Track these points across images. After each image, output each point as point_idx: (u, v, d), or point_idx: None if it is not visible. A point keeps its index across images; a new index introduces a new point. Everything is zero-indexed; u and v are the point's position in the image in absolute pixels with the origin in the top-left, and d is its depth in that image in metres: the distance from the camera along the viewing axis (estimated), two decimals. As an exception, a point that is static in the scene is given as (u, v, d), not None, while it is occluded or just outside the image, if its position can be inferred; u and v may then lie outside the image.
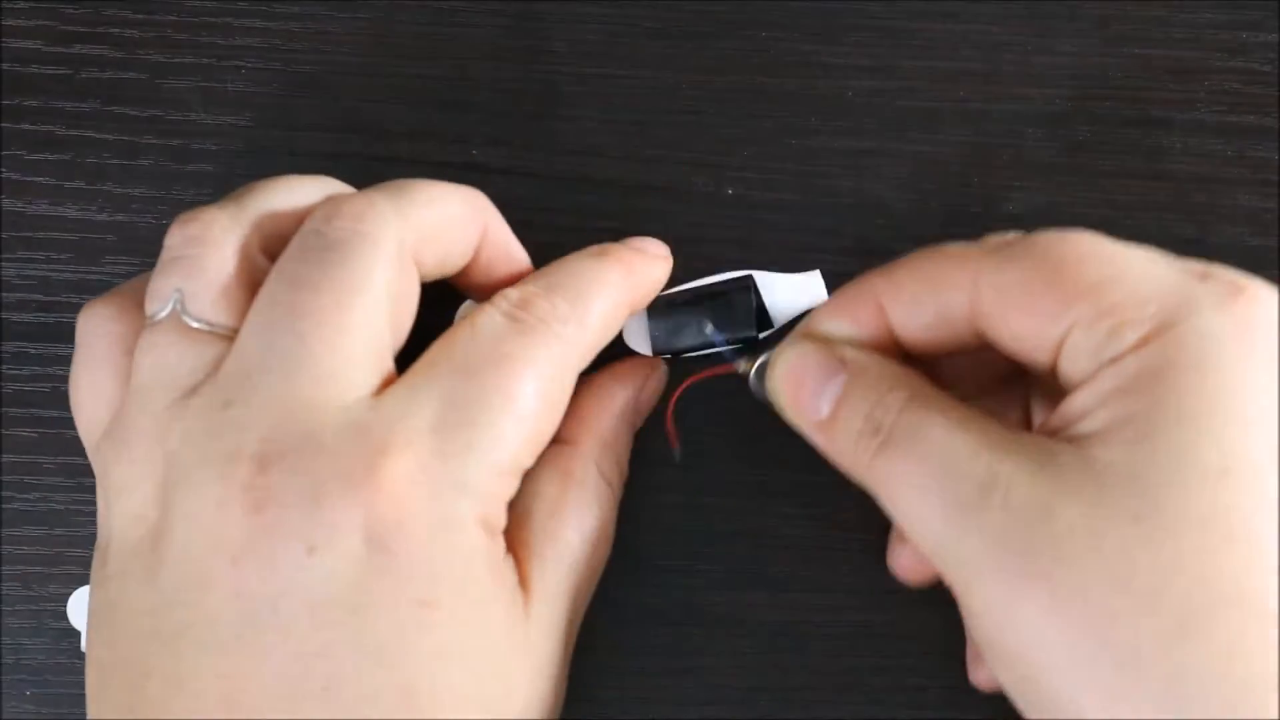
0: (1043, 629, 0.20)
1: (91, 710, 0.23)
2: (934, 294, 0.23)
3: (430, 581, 0.21)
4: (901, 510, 0.22)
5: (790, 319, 0.28)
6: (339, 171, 0.29)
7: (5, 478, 0.29)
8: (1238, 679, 0.19)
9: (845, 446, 0.23)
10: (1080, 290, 0.21)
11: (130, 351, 0.23)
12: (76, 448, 0.29)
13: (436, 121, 0.30)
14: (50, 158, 0.30)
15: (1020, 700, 0.21)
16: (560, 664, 0.25)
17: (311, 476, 0.21)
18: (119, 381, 0.23)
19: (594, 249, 0.26)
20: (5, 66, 0.30)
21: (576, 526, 0.25)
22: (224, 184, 0.29)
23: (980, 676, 0.27)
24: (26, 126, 0.30)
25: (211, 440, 0.21)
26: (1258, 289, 0.21)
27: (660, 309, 0.28)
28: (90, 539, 0.29)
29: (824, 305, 0.25)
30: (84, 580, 0.29)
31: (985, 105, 0.30)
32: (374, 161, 0.29)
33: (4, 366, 0.29)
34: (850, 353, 0.24)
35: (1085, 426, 0.21)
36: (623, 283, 0.26)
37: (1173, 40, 0.30)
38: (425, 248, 0.24)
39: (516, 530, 0.24)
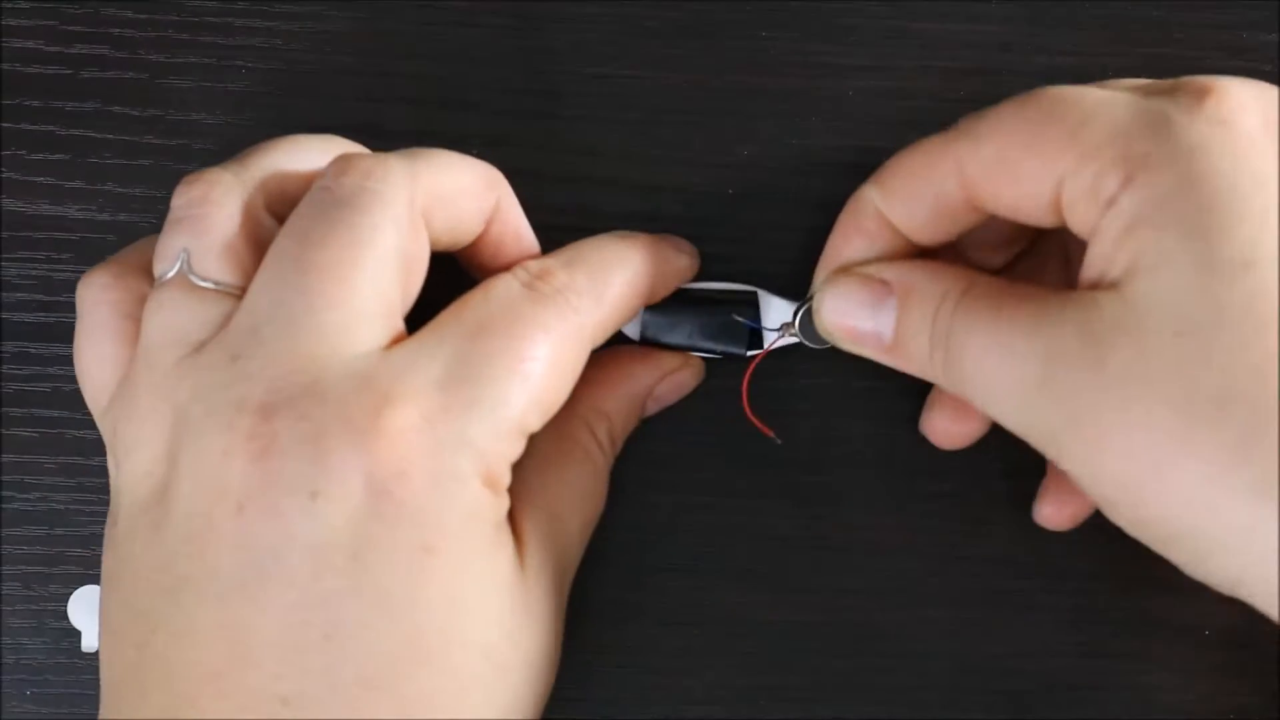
0: (1125, 476, 0.20)
1: (103, 670, 0.23)
2: (926, 188, 0.24)
3: (433, 529, 0.21)
4: (983, 404, 0.23)
5: (778, 345, 0.28)
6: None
7: (5, 478, 0.29)
8: None
9: (920, 364, 0.24)
10: (1057, 145, 0.22)
11: (131, 316, 0.24)
12: (76, 448, 0.29)
13: (436, 121, 0.30)
14: (50, 158, 0.30)
15: (1130, 531, 0.22)
16: (556, 615, 0.25)
17: (315, 424, 0.21)
18: (123, 346, 0.24)
19: (619, 232, 0.27)
20: (5, 66, 0.30)
21: (565, 480, 0.26)
22: (224, 184, 0.29)
23: (1044, 514, 0.28)
24: (26, 126, 0.30)
25: (218, 392, 0.21)
26: (1226, 84, 0.21)
27: (659, 300, 0.28)
28: (90, 539, 0.29)
29: (833, 236, 0.26)
30: (84, 580, 0.29)
31: (985, 105, 0.30)
32: (374, 161, 0.29)
33: (4, 366, 0.29)
34: (890, 272, 0.25)
35: (1113, 272, 0.21)
36: (645, 267, 0.26)
37: (1173, 40, 0.30)
38: (436, 211, 0.24)
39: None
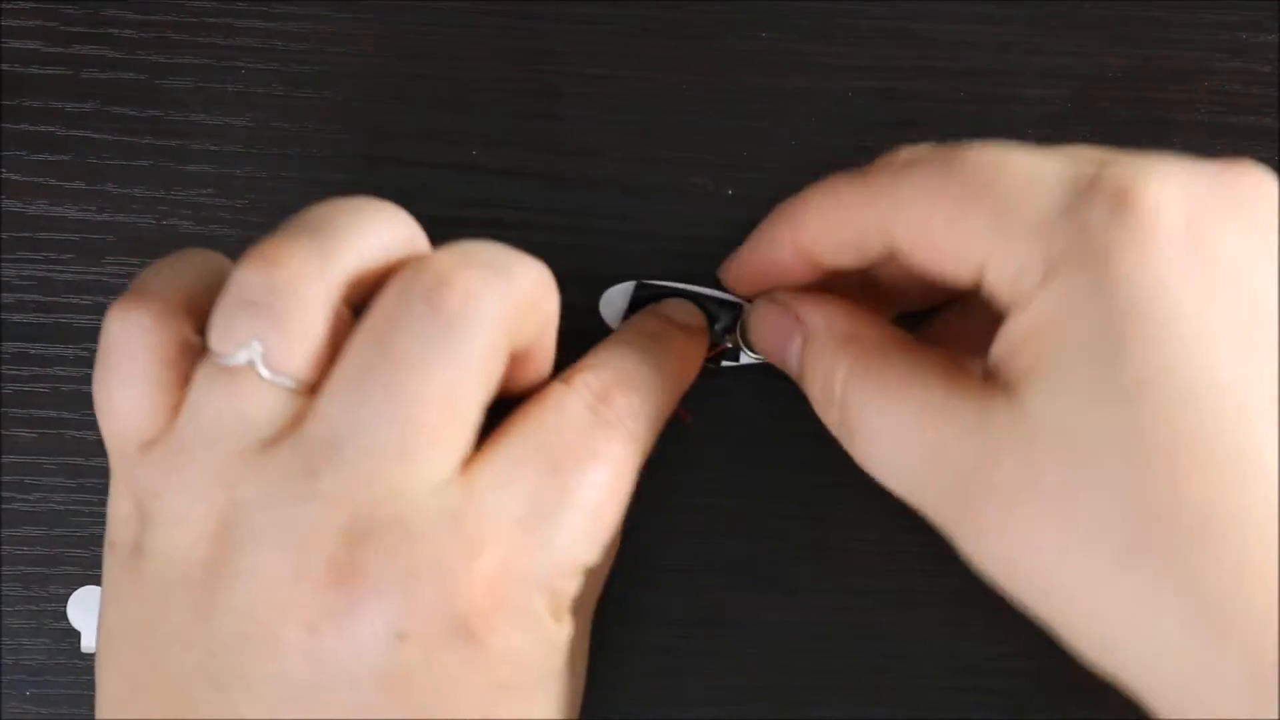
0: (1009, 571, 0.21)
1: (111, 711, 0.22)
2: (848, 238, 0.24)
3: (511, 667, 0.22)
4: (877, 478, 0.24)
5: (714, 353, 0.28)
6: (339, 171, 0.29)
7: (5, 478, 0.29)
8: (1190, 599, 0.19)
9: (819, 408, 0.25)
10: (980, 228, 0.21)
11: (173, 364, 0.22)
12: (76, 448, 0.29)
13: (436, 121, 0.30)
14: (50, 158, 0.30)
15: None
16: (584, 658, 0.25)
17: (404, 561, 0.20)
18: (161, 395, 0.22)
19: (650, 328, 0.27)
20: (5, 66, 0.30)
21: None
22: (224, 184, 0.29)
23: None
24: (26, 127, 0.30)
25: (291, 507, 0.21)
26: (1145, 187, 0.20)
27: (647, 298, 0.28)
28: (90, 539, 0.29)
29: (744, 249, 0.27)
30: (84, 580, 0.29)
31: (985, 105, 0.30)
32: (374, 161, 0.29)
33: (4, 367, 0.29)
34: (803, 310, 0.25)
35: (1014, 368, 0.21)
36: (679, 380, 0.26)
37: (1173, 40, 0.30)
38: (520, 329, 0.23)
39: None
